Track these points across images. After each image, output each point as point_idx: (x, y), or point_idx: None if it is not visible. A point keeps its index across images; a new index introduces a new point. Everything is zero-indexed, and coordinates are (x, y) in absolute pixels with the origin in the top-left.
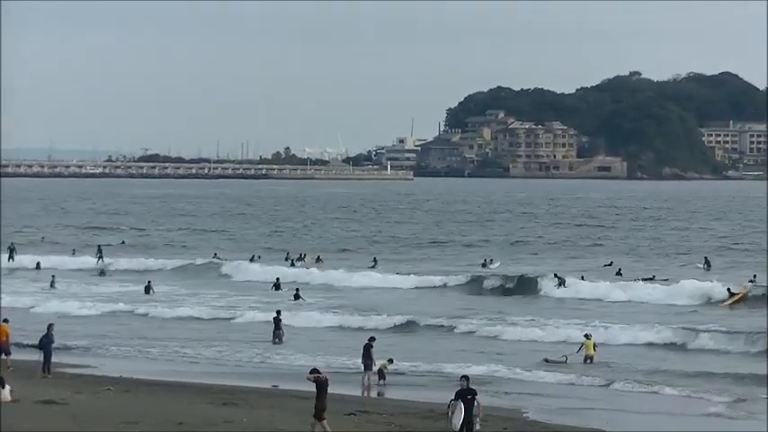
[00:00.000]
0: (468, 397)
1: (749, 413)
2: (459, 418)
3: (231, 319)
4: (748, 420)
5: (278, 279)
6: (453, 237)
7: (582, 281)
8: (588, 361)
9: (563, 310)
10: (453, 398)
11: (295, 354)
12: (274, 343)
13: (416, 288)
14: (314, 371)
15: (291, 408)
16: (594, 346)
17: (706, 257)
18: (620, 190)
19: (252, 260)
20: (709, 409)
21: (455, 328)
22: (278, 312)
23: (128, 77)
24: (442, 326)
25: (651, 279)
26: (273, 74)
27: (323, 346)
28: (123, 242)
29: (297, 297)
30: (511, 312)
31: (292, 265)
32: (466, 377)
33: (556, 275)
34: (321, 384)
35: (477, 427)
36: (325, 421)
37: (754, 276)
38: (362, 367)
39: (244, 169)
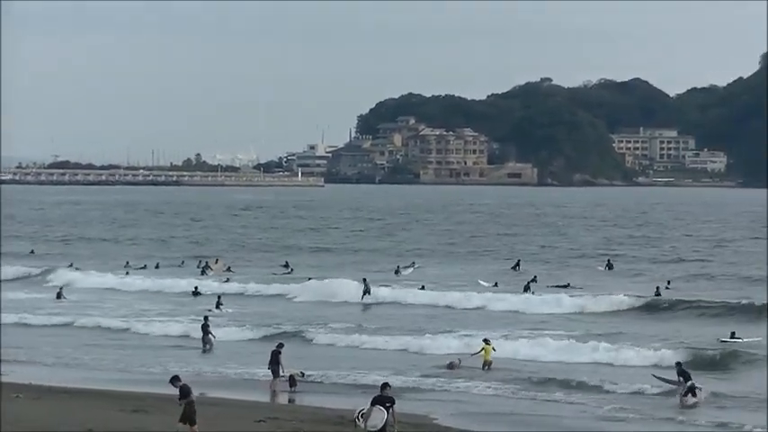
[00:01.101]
0: (387, 404)
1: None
2: (378, 419)
3: (128, 329)
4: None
5: (196, 287)
6: (354, 244)
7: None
8: (486, 367)
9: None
10: (370, 404)
11: (204, 361)
12: (204, 350)
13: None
14: (175, 378)
15: (207, 414)
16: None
17: (609, 260)
18: (520, 196)
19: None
20: (597, 412)
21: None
22: (206, 318)
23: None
24: (337, 333)
25: (566, 287)
26: (186, 78)
27: (236, 355)
28: None
29: (218, 306)
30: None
31: (203, 273)
32: (387, 384)
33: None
34: (183, 391)
35: None
36: (195, 426)
37: (668, 282)
38: (270, 374)
39: (154, 176)
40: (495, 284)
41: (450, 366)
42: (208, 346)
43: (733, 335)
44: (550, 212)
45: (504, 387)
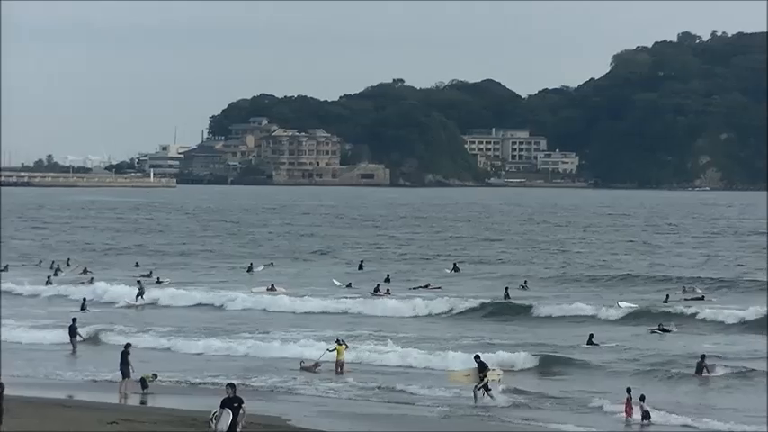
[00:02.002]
0: (235, 405)
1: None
2: (225, 423)
3: None
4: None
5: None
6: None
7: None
8: (340, 367)
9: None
10: (220, 406)
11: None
12: (73, 353)
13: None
14: None
15: (60, 416)
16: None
17: (455, 263)
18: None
19: None
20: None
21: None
22: (74, 320)
23: None
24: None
25: (426, 287)
26: (38, 78)
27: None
28: None
29: (83, 308)
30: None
31: (56, 273)
32: (232, 385)
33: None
34: None
35: None
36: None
37: (525, 282)
38: (120, 375)
39: (6, 177)
40: (349, 285)
41: (306, 368)
42: (73, 348)
43: (591, 339)
44: (403, 213)
45: (358, 388)
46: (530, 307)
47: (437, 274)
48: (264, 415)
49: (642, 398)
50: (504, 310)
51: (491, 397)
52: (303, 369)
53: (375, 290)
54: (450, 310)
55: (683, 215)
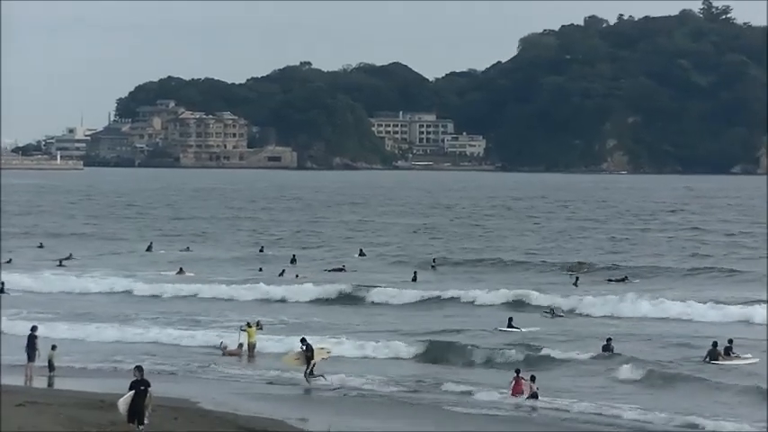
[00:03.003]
0: (142, 388)
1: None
2: (124, 406)
3: None
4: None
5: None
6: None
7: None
8: (250, 350)
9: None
10: (128, 389)
11: None
12: None
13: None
14: None
15: None
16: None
17: (361, 249)
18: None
19: None
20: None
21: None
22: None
23: None
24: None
25: (341, 270)
26: None
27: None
28: None
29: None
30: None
31: None
32: (139, 368)
33: None
34: None
35: (146, 421)
36: None
37: (434, 260)
38: (26, 357)
39: None
40: (260, 270)
41: (230, 353)
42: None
43: (510, 322)
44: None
45: (267, 371)
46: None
47: (344, 260)
48: (173, 397)
49: (533, 378)
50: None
51: (324, 378)
52: (226, 354)
53: (281, 274)
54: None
55: (588, 199)
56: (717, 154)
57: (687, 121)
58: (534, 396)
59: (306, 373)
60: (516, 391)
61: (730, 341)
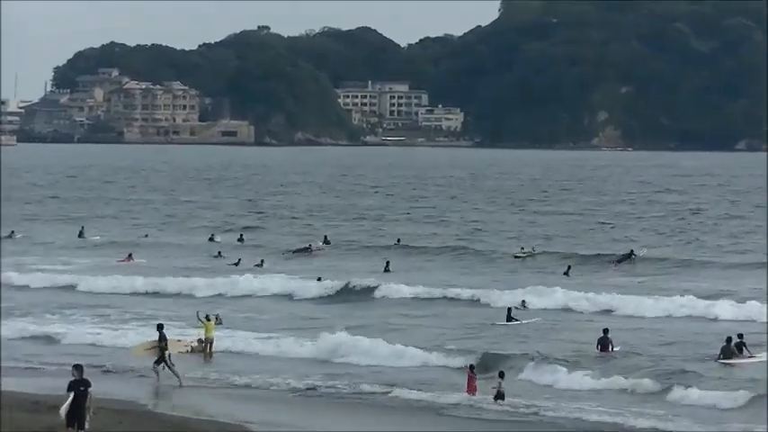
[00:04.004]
0: (81, 388)
1: None
2: (65, 408)
3: None
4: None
5: None
6: None
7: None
8: (209, 344)
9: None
10: (67, 389)
11: None
12: None
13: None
14: None
15: None
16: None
17: (326, 236)
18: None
19: None
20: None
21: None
22: None
23: None
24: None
25: (307, 249)
26: None
27: None
28: None
29: None
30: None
31: None
32: (78, 367)
33: None
34: None
35: (87, 425)
36: None
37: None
38: None
39: None
40: (219, 254)
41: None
42: None
43: (510, 313)
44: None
45: (215, 370)
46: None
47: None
48: (119, 399)
49: (501, 374)
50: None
51: (174, 373)
52: (191, 351)
53: (236, 263)
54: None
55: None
56: (719, 128)
57: (685, 92)
58: (500, 396)
59: (154, 364)
60: (469, 389)
61: (741, 336)
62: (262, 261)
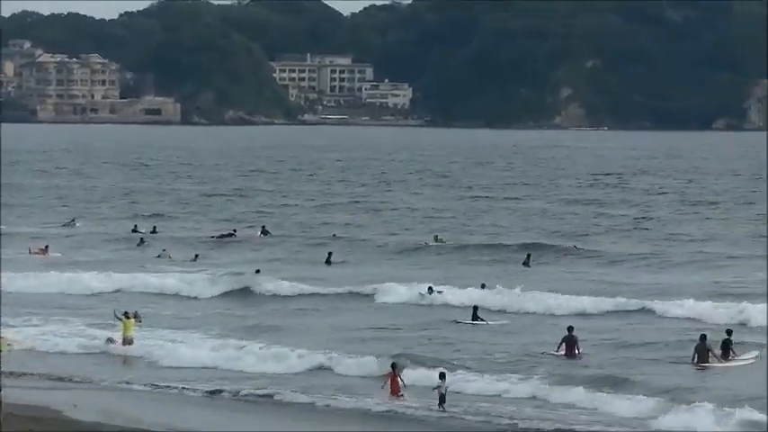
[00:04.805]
0: None
1: None
2: None
3: None
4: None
5: None
6: None
7: None
8: (128, 343)
9: None
10: None
11: None
12: None
13: None
14: None
15: None
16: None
17: (263, 227)
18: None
19: None
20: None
21: None
22: None
23: None
24: None
25: (232, 234)
26: None
27: None
28: None
29: None
30: None
31: None
32: None
33: None
34: None
35: None
36: None
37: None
38: None
39: None
40: (141, 240)
41: (109, 342)
42: None
43: (475, 312)
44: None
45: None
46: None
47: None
48: (31, 405)
49: (442, 375)
50: None
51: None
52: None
53: (159, 255)
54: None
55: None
56: (696, 106)
57: (659, 66)
58: (442, 399)
59: None
60: (393, 390)
61: (729, 333)
62: (196, 256)
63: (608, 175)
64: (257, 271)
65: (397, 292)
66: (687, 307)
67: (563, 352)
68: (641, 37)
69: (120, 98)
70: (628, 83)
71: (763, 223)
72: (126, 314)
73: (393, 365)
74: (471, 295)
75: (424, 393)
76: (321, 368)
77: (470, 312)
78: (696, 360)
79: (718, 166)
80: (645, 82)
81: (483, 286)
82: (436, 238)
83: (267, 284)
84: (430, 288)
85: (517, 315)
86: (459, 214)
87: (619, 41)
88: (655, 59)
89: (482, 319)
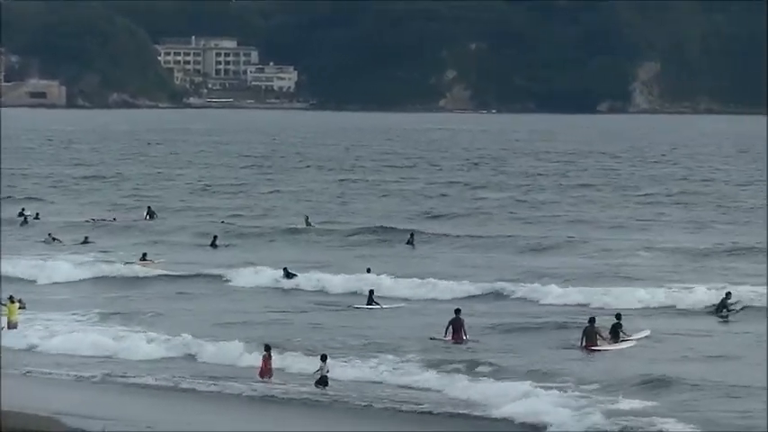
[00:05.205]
0: None
1: None
2: None
3: None
4: None
5: None
6: None
7: None
8: (12, 327)
9: None
10: None
11: None
12: None
13: None
14: None
15: None
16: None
17: (149, 207)
18: None
19: None
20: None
21: None
22: None
23: None
24: None
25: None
26: None
27: None
28: None
29: None
30: None
31: None
32: None
33: None
34: None
35: None
36: None
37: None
38: None
39: None
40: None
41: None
42: None
43: (371, 296)
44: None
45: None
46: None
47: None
48: None
49: (324, 357)
50: None
51: None
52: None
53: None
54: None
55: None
56: (580, 89)
57: (544, 49)
58: (324, 381)
59: None
60: (264, 372)
61: (619, 317)
62: (86, 238)
63: (484, 158)
64: (144, 255)
65: (252, 276)
66: (570, 291)
67: (450, 337)
68: (525, 19)
69: (5, 81)
70: (511, 65)
71: (645, 205)
72: (11, 298)
73: (267, 347)
74: (348, 280)
75: (294, 378)
76: (185, 355)
77: (358, 297)
78: (584, 343)
79: (600, 148)
80: (527, 65)
81: (368, 270)
82: (307, 221)
83: (124, 269)
84: (285, 270)
85: (404, 300)
86: (333, 198)
87: (503, 24)
88: (538, 42)
89: (377, 303)
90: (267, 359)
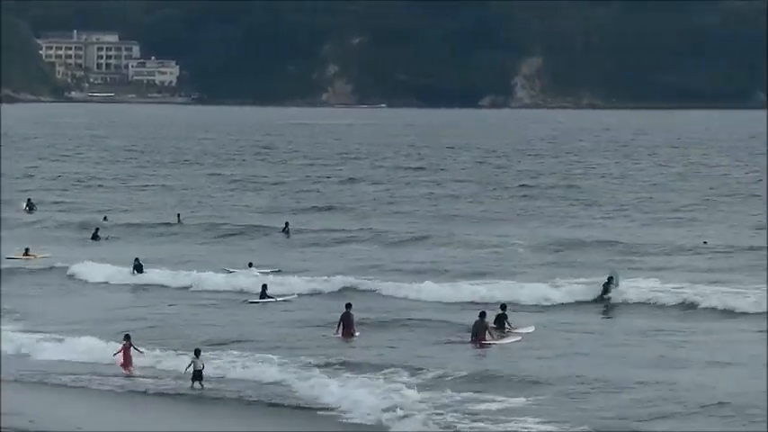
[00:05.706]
0: None
1: None
2: None
3: None
4: None
5: None
6: None
7: None
8: None
9: None
10: None
11: None
12: None
13: None
14: None
15: None
16: None
17: (29, 199)
18: None
19: None
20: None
21: None
22: None
23: None
24: None
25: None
26: None
27: None
28: None
29: None
30: None
31: None
32: None
33: None
34: None
35: None
36: None
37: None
38: None
39: None
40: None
41: None
42: None
43: (264, 290)
44: None
45: None
46: None
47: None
48: None
49: (197, 352)
50: None
51: None
52: None
53: None
54: None
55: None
56: (461, 84)
57: (426, 45)
58: (198, 376)
59: None
60: (125, 363)
61: (504, 308)
62: None
63: (353, 154)
64: (26, 249)
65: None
66: (457, 285)
67: (340, 333)
68: (407, 14)
69: None
70: (393, 60)
71: (521, 198)
72: None
73: (126, 337)
74: (215, 275)
75: (165, 374)
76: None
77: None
78: (475, 338)
79: (479, 142)
80: (410, 60)
81: (250, 265)
82: (179, 218)
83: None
84: (137, 261)
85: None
86: (205, 195)
87: (385, 19)
88: (420, 37)
89: (270, 297)
90: (127, 348)
